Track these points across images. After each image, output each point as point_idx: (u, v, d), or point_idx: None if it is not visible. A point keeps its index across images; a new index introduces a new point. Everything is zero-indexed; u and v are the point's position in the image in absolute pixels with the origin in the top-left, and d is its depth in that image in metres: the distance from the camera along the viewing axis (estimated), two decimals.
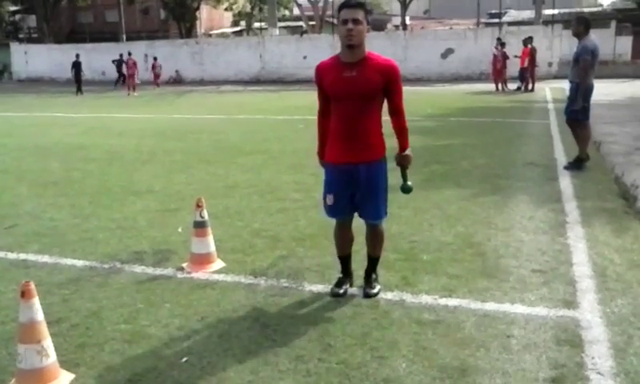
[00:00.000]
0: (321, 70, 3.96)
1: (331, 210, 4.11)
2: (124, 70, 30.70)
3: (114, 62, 33.54)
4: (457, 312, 3.95)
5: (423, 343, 3.53)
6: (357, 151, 3.91)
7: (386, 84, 3.83)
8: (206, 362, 3.39)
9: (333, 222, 4.25)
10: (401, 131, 4.01)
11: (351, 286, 4.31)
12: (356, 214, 4.16)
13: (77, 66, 29.91)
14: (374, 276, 4.30)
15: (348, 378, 3.19)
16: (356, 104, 3.83)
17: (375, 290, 4.21)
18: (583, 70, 8.20)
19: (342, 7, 3.76)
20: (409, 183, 4.17)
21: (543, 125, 13.42)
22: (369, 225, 4.18)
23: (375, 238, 4.25)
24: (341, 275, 4.32)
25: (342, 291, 4.19)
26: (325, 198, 4.11)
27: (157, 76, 33.07)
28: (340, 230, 4.22)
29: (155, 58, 33.62)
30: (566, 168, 8.40)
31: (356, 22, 3.69)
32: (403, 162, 4.08)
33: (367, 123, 3.89)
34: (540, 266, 4.73)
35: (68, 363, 3.36)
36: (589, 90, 8.36)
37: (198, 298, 4.26)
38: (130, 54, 30.44)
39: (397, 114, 3.97)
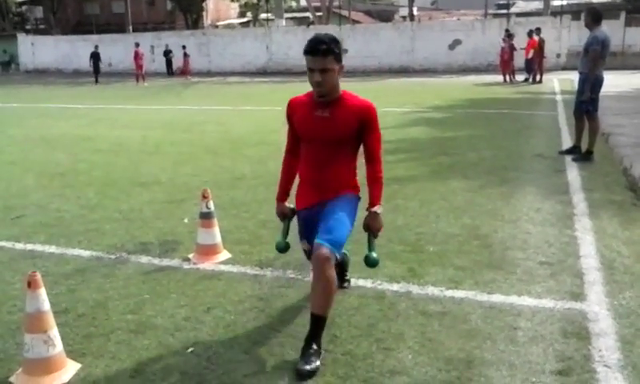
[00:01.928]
0: (292, 105, 3.54)
1: (309, 255, 3.56)
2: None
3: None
4: (463, 304, 3.93)
5: (429, 335, 3.53)
6: (323, 194, 3.47)
7: (361, 127, 3.36)
8: (211, 352, 3.40)
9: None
10: (374, 182, 3.44)
11: (347, 286, 3.96)
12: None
13: (95, 56, 30.53)
14: (314, 347, 3.24)
15: (354, 369, 3.18)
16: (327, 147, 3.41)
17: (310, 367, 3.14)
18: (592, 60, 8.14)
19: (306, 53, 3.24)
20: (374, 254, 3.42)
21: (551, 116, 13.34)
22: (315, 252, 3.24)
23: (320, 277, 3.22)
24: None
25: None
26: (300, 242, 3.68)
27: (186, 68, 33.22)
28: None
29: (186, 53, 33.54)
30: (574, 160, 8.37)
31: (324, 71, 3.22)
32: (371, 224, 3.42)
33: (338, 169, 3.45)
34: (547, 258, 4.71)
35: (74, 353, 3.37)
36: (598, 82, 8.30)
37: (203, 289, 4.26)
38: (137, 45, 30.43)
39: (372, 161, 3.44)
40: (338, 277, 3.47)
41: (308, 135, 3.47)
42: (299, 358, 3.22)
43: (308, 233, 3.54)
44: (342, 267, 4.00)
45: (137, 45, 30.41)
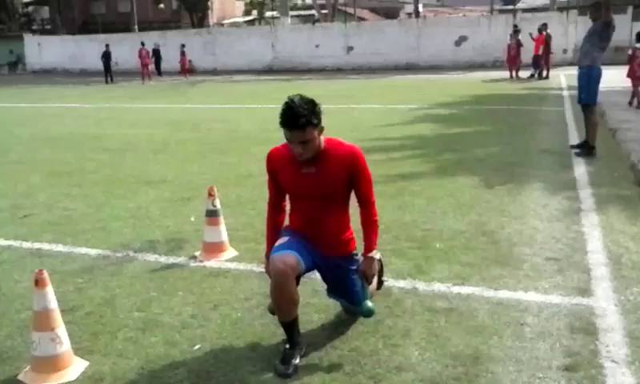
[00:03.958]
0: (273, 160, 3.39)
1: (276, 248, 3.28)
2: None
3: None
4: (470, 300, 3.93)
5: (436, 331, 3.52)
6: (321, 248, 3.37)
7: (350, 177, 3.26)
8: (218, 349, 3.40)
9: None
10: (368, 225, 3.38)
11: (303, 355, 3.26)
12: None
13: (106, 55, 30.39)
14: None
15: (360, 365, 3.18)
16: (317, 203, 3.30)
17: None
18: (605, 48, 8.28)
19: (283, 126, 3.11)
20: (369, 304, 3.37)
21: (558, 112, 13.29)
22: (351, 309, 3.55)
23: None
24: (286, 346, 3.25)
25: (290, 370, 3.12)
26: (277, 253, 3.23)
27: (185, 67, 32.75)
28: (280, 281, 3.11)
29: (183, 52, 33.09)
30: (577, 154, 8.37)
31: (305, 143, 3.11)
32: (367, 271, 3.36)
33: (331, 221, 3.36)
34: (554, 254, 4.69)
35: (82, 351, 3.39)
36: (600, 74, 8.37)
37: (210, 287, 4.27)
38: (142, 44, 30.44)
39: (365, 206, 3.37)
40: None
41: (297, 193, 3.38)
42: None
43: (297, 237, 3.33)
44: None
45: (142, 44, 30.42)
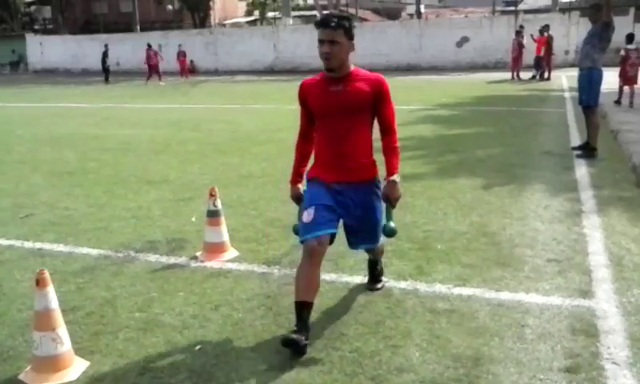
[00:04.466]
0: (305, 87, 3.61)
1: (306, 228, 3.44)
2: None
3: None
4: (471, 301, 3.92)
5: (437, 332, 3.52)
6: (345, 172, 3.53)
7: (375, 98, 3.48)
8: (219, 350, 3.40)
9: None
10: (391, 152, 3.56)
11: (306, 340, 3.33)
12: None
13: (102, 55, 30.31)
14: (379, 267, 4.18)
15: (361, 366, 3.18)
16: (343, 120, 3.47)
17: (379, 285, 4.15)
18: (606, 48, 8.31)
19: (317, 25, 3.41)
20: (392, 224, 3.56)
21: (559, 113, 13.28)
22: (366, 251, 3.97)
23: (374, 254, 4.07)
24: (295, 328, 3.36)
25: (293, 337, 3.25)
26: (301, 217, 3.56)
27: (183, 67, 32.43)
28: (308, 262, 3.40)
29: (180, 53, 32.69)
30: (578, 156, 8.37)
31: (333, 43, 3.34)
32: (389, 193, 3.53)
33: (355, 141, 3.51)
34: (555, 256, 4.69)
35: (83, 351, 3.39)
36: (602, 75, 8.38)
37: (211, 287, 4.27)
38: (149, 46, 30.26)
39: (387, 132, 3.58)
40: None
41: (323, 110, 3.53)
42: (367, 280, 4.14)
43: (320, 201, 3.49)
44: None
45: (149, 45, 30.27)
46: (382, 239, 3.78)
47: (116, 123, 14.28)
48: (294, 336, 3.25)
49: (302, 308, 3.38)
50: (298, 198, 3.78)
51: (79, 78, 34.67)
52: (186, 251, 5.03)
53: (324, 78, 3.53)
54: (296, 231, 3.70)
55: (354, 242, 3.73)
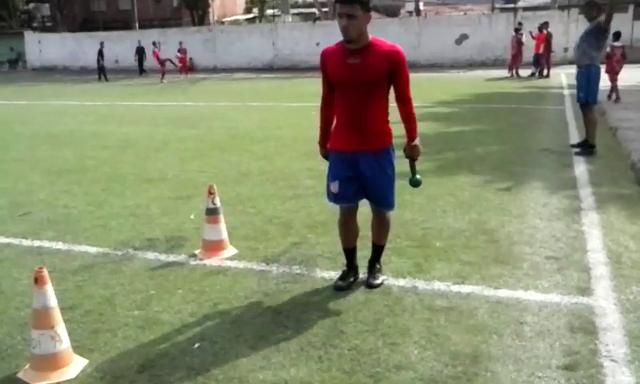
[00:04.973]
0: (326, 55, 3.85)
1: (336, 198, 3.97)
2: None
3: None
4: (469, 299, 3.92)
5: (435, 330, 3.52)
6: (361, 139, 3.79)
7: (391, 70, 3.70)
8: (218, 347, 3.40)
9: (338, 211, 4.17)
10: (408, 119, 3.87)
11: (356, 279, 4.18)
12: (362, 207, 4.09)
13: (98, 53, 30.35)
14: (377, 266, 4.23)
15: (359, 364, 3.18)
16: (360, 91, 3.71)
17: (378, 281, 4.14)
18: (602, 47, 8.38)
19: (336, 1, 3.64)
20: (417, 176, 4.06)
21: (558, 111, 13.29)
22: (375, 211, 4.09)
23: (380, 226, 4.15)
24: (345, 268, 4.22)
25: (345, 285, 4.08)
26: (329, 186, 3.98)
27: (183, 65, 32.22)
28: (345, 220, 4.07)
29: (179, 50, 32.44)
30: (577, 153, 8.37)
31: (351, 17, 3.57)
32: (412, 154, 3.96)
33: (372, 111, 3.77)
34: (554, 253, 4.69)
35: (81, 349, 3.39)
36: (599, 72, 8.41)
37: (210, 285, 4.27)
38: (154, 44, 30.06)
39: (404, 101, 3.83)
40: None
41: (342, 81, 3.75)
42: (367, 275, 4.18)
43: (342, 174, 3.86)
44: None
45: (154, 44, 30.11)
46: (392, 213, 4.16)
47: (114, 121, 14.27)
48: (342, 283, 4.09)
49: (350, 252, 4.18)
50: (327, 157, 4.12)
51: (78, 76, 34.62)
52: (184, 249, 5.03)
53: (343, 47, 3.73)
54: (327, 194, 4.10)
55: (367, 198, 4.02)
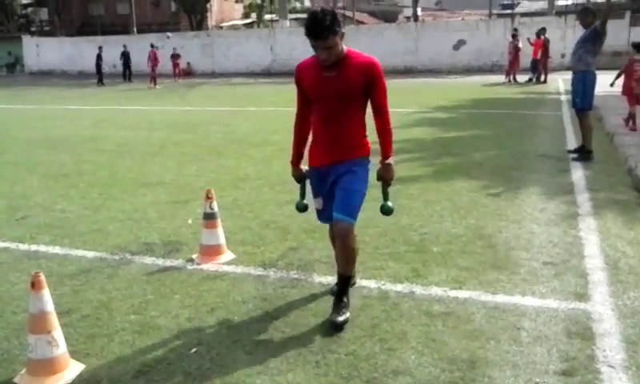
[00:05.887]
0: (301, 70, 3.73)
1: (321, 215, 3.88)
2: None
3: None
4: (467, 304, 3.92)
5: (433, 335, 3.52)
6: (338, 153, 3.64)
7: (367, 83, 3.56)
8: (215, 353, 3.40)
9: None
10: (384, 133, 3.66)
11: (353, 284, 4.05)
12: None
13: (97, 58, 30.41)
14: (344, 300, 3.74)
15: (357, 369, 3.18)
16: (336, 104, 3.58)
17: (342, 318, 3.63)
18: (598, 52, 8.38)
19: (308, 35, 3.44)
20: (389, 203, 3.77)
21: (555, 116, 13.32)
22: (336, 225, 3.66)
23: (342, 248, 3.67)
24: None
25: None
26: (304, 196, 3.93)
27: (179, 69, 32.09)
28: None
29: (173, 55, 32.37)
30: (574, 159, 8.40)
31: (329, 49, 3.44)
32: (385, 176, 3.72)
33: (348, 125, 3.63)
34: (551, 258, 4.69)
35: (78, 353, 3.38)
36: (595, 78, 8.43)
37: (207, 290, 4.26)
38: (152, 46, 30.05)
39: (379, 114, 3.66)
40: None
41: (318, 95, 3.64)
42: (331, 311, 3.68)
43: (321, 190, 3.77)
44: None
45: (152, 46, 30.11)
46: (354, 239, 3.69)
47: (112, 125, 14.26)
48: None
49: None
50: (299, 178, 3.97)
51: (75, 80, 34.62)
52: (182, 254, 5.02)
53: (318, 61, 3.60)
54: (298, 208, 4.03)
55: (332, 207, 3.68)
